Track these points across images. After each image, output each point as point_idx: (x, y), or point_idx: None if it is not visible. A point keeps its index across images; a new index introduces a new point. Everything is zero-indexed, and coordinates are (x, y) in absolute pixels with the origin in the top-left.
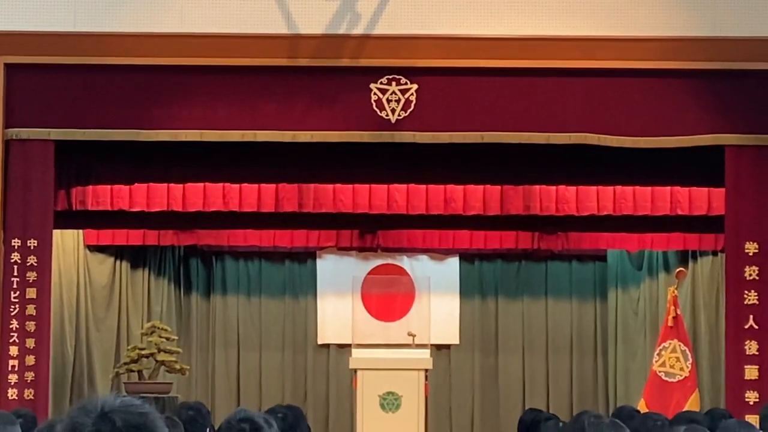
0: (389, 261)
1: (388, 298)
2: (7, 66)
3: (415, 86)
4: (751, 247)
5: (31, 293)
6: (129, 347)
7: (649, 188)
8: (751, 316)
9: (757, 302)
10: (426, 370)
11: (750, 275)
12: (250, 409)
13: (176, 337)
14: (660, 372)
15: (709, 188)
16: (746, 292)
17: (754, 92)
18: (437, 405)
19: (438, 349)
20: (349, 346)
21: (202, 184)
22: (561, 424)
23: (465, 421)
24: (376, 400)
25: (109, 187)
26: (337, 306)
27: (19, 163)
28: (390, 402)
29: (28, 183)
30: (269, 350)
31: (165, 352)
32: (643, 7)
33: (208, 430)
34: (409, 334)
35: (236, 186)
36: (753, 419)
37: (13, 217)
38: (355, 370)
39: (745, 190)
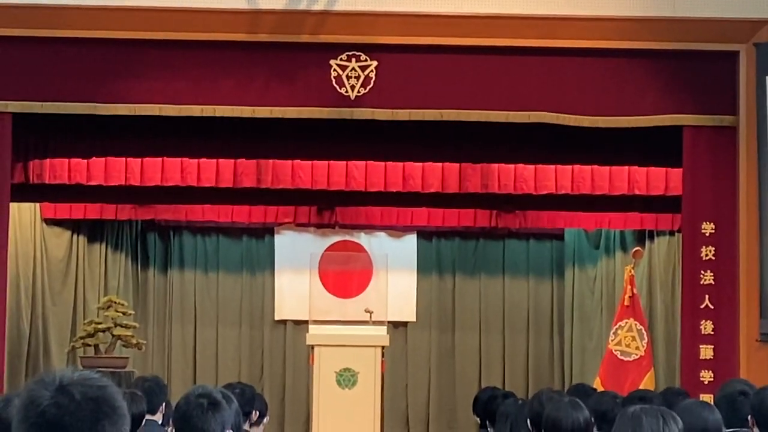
0: (347, 238)
1: (345, 275)
2: None
3: (374, 63)
4: (707, 228)
5: None
6: (85, 321)
7: (607, 168)
8: (707, 296)
9: (713, 282)
10: (383, 347)
11: (706, 255)
12: (207, 384)
13: (133, 312)
14: (616, 351)
15: (666, 168)
16: (702, 272)
17: (712, 73)
18: (393, 382)
19: (395, 326)
20: (306, 322)
21: (160, 159)
22: (520, 401)
23: (421, 398)
24: (333, 376)
25: (66, 160)
26: (295, 282)
27: None
28: (346, 378)
29: None
30: (226, 326)
31: (121, 326)
32: None
33: (164, 404)
34: (366, 311)
35: (194, 161)
36: (707, 398)
37: None
38: (312, 347)
39: (702, 171)
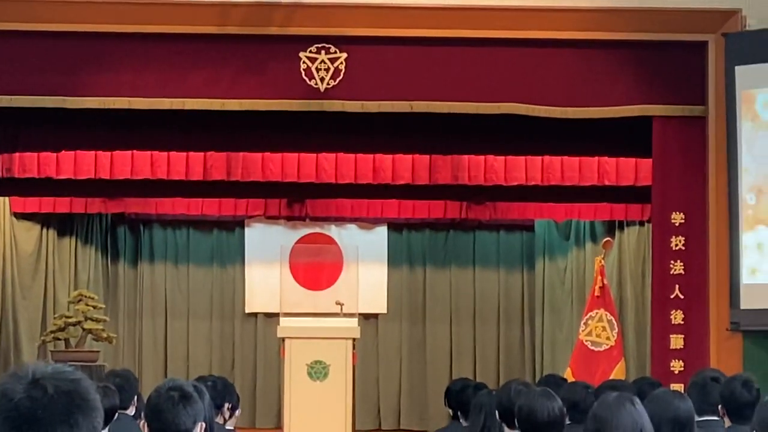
0: (317, 230)
1: (316, 267)
2: None
3: (344, 55)
4: (677, 218)
5: None
6: (56, 315)
7: (577, 158)
8: (677, 286)
9: (683, 272)
10: (354, 339)
11: (676, 245)
12: (178, 378)
13: (103, 306)
14: (586, 341)
15: (636, 159)
16: (672, 262)
17: (681, 63)
18: (365, 374)
19: (366, 318)
20: (276, 315)
21: (130, 152)
22: (493, 392)
23: (392, 390)
24: (304, 368)
25: (36, 154)
26: (265, 275)
27: None
28: (318, 371)
29: None
30: (197, 319)
31: (92, 320)
32: None
33: (135, 397)
34: (337, 303)
35: (164, 154)
36: (678, 388)
37: None
38: (283, 339)
39: (671, 161)
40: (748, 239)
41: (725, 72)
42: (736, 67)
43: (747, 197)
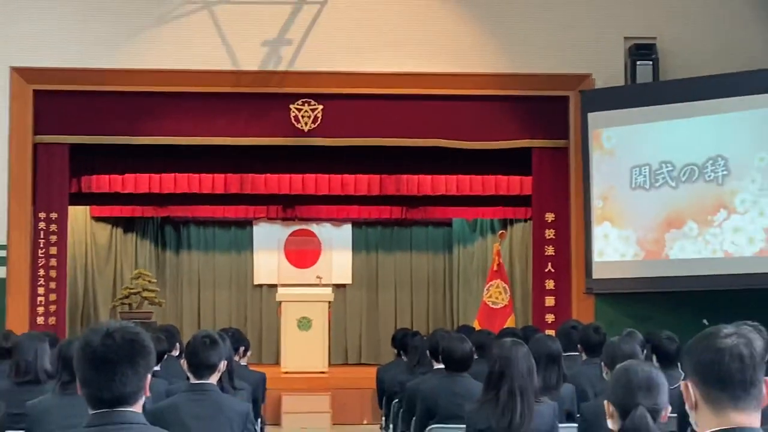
0: (304, 226)
1: (302, 252)
2: (35, 92)
3: (321, 107)
4: (549, 216)
5: (53, 250)
6: (123, 287)
7: (480, 176)
8: (550, 263)
9: (554, 254)
10: (329, 302)
11: (549, 235)
12: (208, 329)
13: (156, 280)
14: (488, 302)
15: (521, 176)
16: (546, 246)
17: (551, 111)
18: (336, 325)
19: (337, 287)
20: (275, 285)
21: (173, 174)
22: (425, 337)
23: (355, 337)
24: (295, 322)
25: (107, 176)
26: (268, 258)
27: (45, 160)
28: (304, 324)
29: (50, 173)
30: (220, 289)
31: (148, 290)
32: (477, 51)
33: (178, 344)
34: (317, 277)
35: (197, 175)
36: (550, 333)
37: (40, 197)
38: (280, 302)
39: (545, 178)
40: (597, 231)
41: (581, 116)
42: (589, 114)
43: (596, 203)
